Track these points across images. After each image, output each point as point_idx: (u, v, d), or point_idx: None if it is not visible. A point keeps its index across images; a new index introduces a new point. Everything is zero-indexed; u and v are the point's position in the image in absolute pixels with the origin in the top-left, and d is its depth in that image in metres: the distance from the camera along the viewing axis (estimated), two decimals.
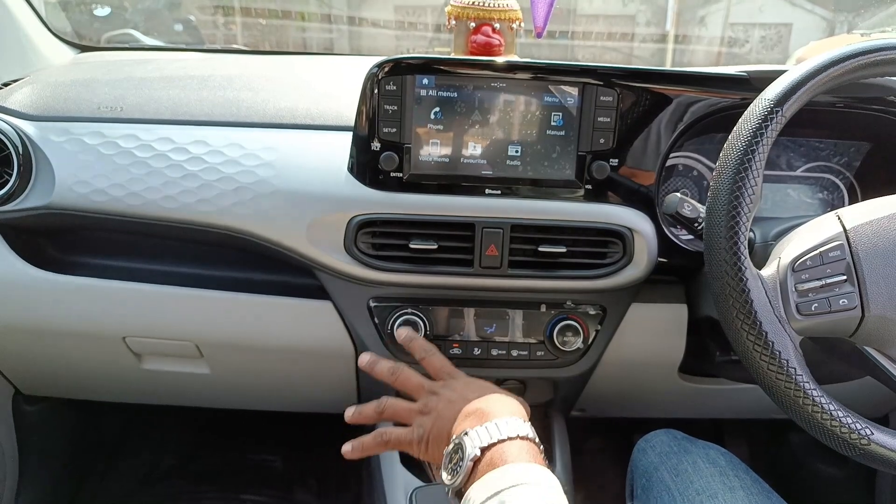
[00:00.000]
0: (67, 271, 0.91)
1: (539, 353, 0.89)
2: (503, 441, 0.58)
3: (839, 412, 0.61)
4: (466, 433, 0.60)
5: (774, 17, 6.98)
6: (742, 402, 1.11)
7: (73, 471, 1.30)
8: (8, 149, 0.84)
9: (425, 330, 0.86)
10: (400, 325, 0.86)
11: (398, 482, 0.86)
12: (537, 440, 0.60)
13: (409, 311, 0.87)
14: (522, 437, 0.59)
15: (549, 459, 0.93)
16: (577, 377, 0.93)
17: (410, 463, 0.89)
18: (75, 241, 0.96)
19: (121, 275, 0.92)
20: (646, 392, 1.07)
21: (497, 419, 0.60)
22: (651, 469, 0.83)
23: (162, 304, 0.90)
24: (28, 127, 0.86)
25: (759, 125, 0.65)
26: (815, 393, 0.61)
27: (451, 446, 0.62)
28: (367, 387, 0.99)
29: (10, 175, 0.85)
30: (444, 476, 0.60)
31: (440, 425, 0.67)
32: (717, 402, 1.10)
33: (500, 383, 0.94)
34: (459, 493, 0.58)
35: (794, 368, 0.61)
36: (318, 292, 0.90)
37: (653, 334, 0.94)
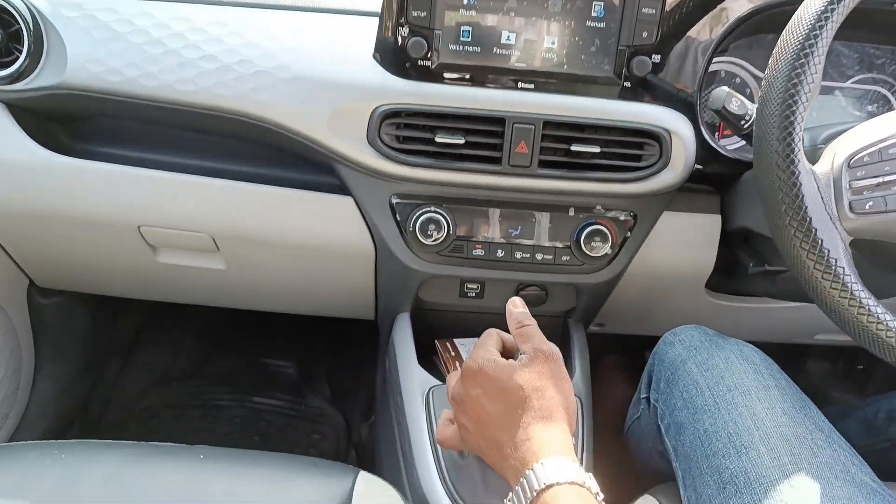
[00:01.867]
0: (81, 157, 0.89)
1: (564, 258, 0.86)
2: (545, 490, 0.50)
3: (887, 316, 0.58)
4: (509, 497, 0.53)
5: None
6: (766, 324, 1.09)
7: (89, 368, 1.31)
8: (18, 23, 0.80)
9: (448, 229, 0.83)
10: (423, 222, 0.83)
11: (415, 382, 0.85)
12: (588, 483, 0.52)
13: (433, 209, 0.84)
14: (563, 484, 0.51)
15: (568, 368, 0.92)
16: (601, 284, 0.90)
17: (428, 365, 0.88)
18: (89, 129, 0.93)
19: (135, 164, 0.89)
20: (668, 307, 1.04)
21: (539, 461, 0.52)
22: (678, 362, 0.79)
23: (177, 192, 0.88)
24: (39, 1, 0.82)
25: (827, 3, 0.59)
26: (862, 294, 0.58)
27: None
28: (386, 291, 0.97)
29: (21, 52, 0.81)
30: None
31: (481, 451, 0.61)
32: (740, 323, 1.08)
33: (522, 289, 0.92)
34: None
35: (843, 268, 0.58)
36: (338, 190, 0.87)
37: (683, 244, 0.91)
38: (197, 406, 1.32)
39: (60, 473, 0.67)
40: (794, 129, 0.58)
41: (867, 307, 0.58)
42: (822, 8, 0.59)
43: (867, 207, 0.59)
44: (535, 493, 0.50)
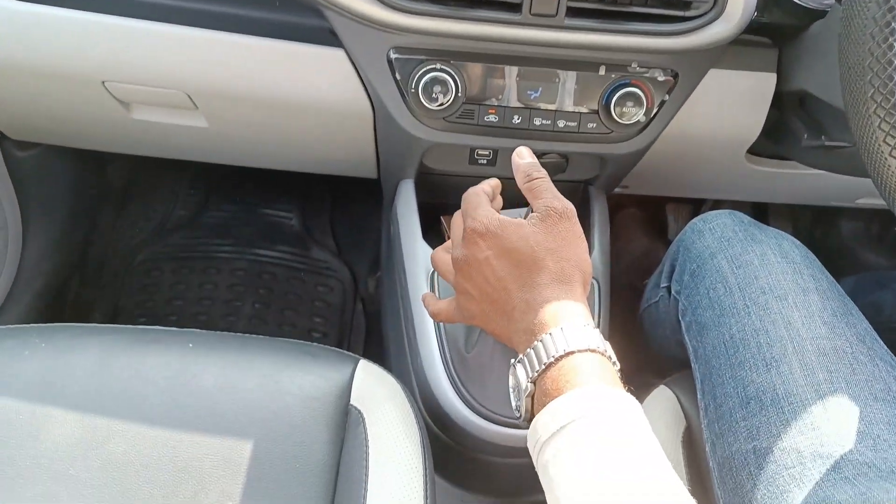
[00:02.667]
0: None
1: (590, 125, 0.75)
2: (563, 357, 0.46)
3: None
4: (521, 360, 0.49)
5: None
6: (806, 189, 0.99)
7: (81, 219, 1.25)
8: None
9: (456, 90, 0.72)
10: (426, 82, 0.71)
11: (419, 259, 0.79)
12: (603, 349, 0.47)
13: (438, 66, 0.71)
14: (584, 351, 0.46)
15: (587, 236, 0.84)
16: (630, 154, 0.79)
17: (433, 238, 0.81)
18: None
19: (97, 5, 0.75)
20: (703, 172, 0.94)
21: (541, 336, 0.48)
22: (707, 255, 0.71)
23: (144, 43, 0.75)
24: None
25: None
26: None
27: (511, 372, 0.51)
28: (387, 156, 0.87)
29: None
30: (511, 396, 0.50)
31: (485, 317, 0.55)
32: (780, 188, 0.98)
33: (540, 157, 0.81)
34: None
35: None
36: (329, 37, 0.74)
37: (728, 107, 0.79)
38: (197, 258, 1.28)
39: (41, 365, 0.64)
40: None
41: None
42: None
43: None
44: (552, 359, 0.46)
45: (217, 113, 0.85)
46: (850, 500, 0.50)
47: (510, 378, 0.50)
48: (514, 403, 0.50)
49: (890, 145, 0.49)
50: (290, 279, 1.29)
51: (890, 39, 0.46)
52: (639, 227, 1.42)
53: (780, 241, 0.68)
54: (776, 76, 0.76)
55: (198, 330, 0.71)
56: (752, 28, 0.70)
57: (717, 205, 1.32)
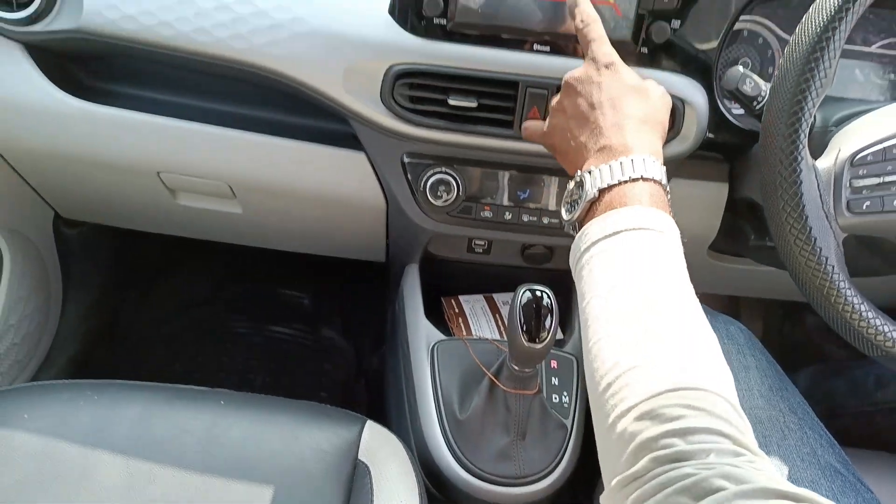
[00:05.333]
0: (99, 100, 0.90)
1: None
2: (628, 182, 0.53)
3: (870, 313, 0.60)
4: (590, 171, 0.56)
5: None
6: (767, 284, 1.11)
7: (113, 294, 1.37)
8: None
9: (458, 190, 0.85)
10: (433, 182, 0.85)
11: (421, 336, 0.89)
12: (665, 184, 0.55)
13: (443, 169, 0.85)
14: (649, 180, 0.54)
15: (569, 321, 0.96)
16: None
17: (434, 317, 0.92)
18: (106, 68, 0.94)
19: (154, 107, 0.90)
20: None
21: (629, 156, 0.54)
22: None
23: (195, 142, 0.89)
24: None
25: (845, 2, 0.58)
26: (849, 293, 0.60)
27: (572, 183, 0.59)
28: (396, 242, 1.00)
29: None
30: (563, 210, 0.59)
31: (566, 141, 0.63)
32: (742, 282, 1.11)
33: (527, 249, 0.94)
34: (576, 226, 0.57)
35: (833, 266, 0.60)
36: (352, 141, 0.88)
37: (688, 211, 0.92)
38: (216, 332, 1.39)
39: (93, 414, 0.74)
40: (800, 126, 0.59)
41: (852, 304, 0.60)
42: (838, 6, 0.58)
43: (864, 207, 0.60)
44: (627, 179, 0.53)
45: (252, 201, 0.98)
46: None
47: (570, 185, 0.59)
48: (566, 210, 0.58)
49: (804, 257, 0.61)
50: (299, 356, 1.39)
51: (794, 165, 0.60)
52: None
53: (727, 325, 0.80)
54: (728, 185, 0.90)
55: (228, 390, 0.82)
56: (707, 145, 0.85)
57: None
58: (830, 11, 0.59)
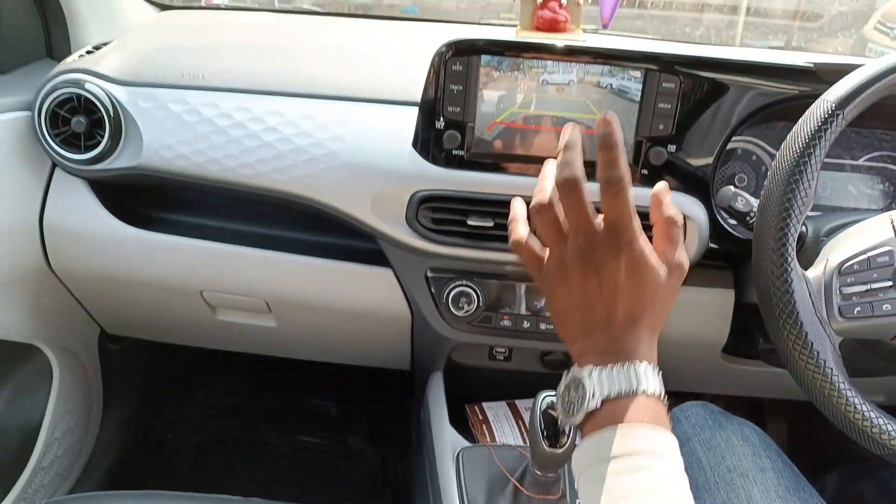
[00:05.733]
0: (151, 227, 0.99)
1: None
2: (629, 398, 0.48)
3: (872, 413, 0.64)
4: (591, 374, 0.50)
5: None
6: (783, 385, 1.13)
7: (149, 404, 1.42)
8: (100, 111, 0.91)
9: (478, 301, 0.91)
10: (455, 294, 0.91)
11: (446, 443, 0.92)
12: (664, 396, 0.50)
13: (464, 282, 0.92)
14: (652, 396, 0.49)
15: None
16: None
17: (458, 423, 0.96)
18: (158, 198, 1.04)
19: (200, 232, 0.99)
20: (688, 369, 1.10)
21: (630, 364, 0.49)
22: (683, 440, 0.85)
23: (237, 263, 0.98)
24: (119, 91, 0.93)
25: (817, 128, 0.66)
26: (849, 393, 0.64)
27: (568, 377, 0.53)
28: (420, 352, 1.06)
29: (103, 136, 0.92)
30: (559, 406, 0.53)
31: (565, 302, 0.54)
32: (759, 383, 1.13)
33: (546, 355, 0.99)
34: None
35: (832, 369, 0.64)
36: (380, 257, 0.96)
37: (698, 317, 0.97)
38: (246, 442, 1.43)
39: None
40: (787, 240, 0.65)
41: (854, 405, 0.64)
42: (816, 128, 0.66)
43: (855, 312, 0.65)
44: (636, 391, 0.49)
45: (286, 316, 1.05)
46: None
47: (566, 379, 0.52)
48: (564, 412, 0.52)
49: (804, 360, 0.66)
50: (326, 465, 1.41)
51: (785, 275, 0.65)
52: None
53: (742, 427, 0.82)
54: (734, 291, 0.95)
55: (262, 500, 0.85)
56: (711, 254, 0.91)
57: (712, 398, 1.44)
58: (806, 138, 0.66)
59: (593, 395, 0.49)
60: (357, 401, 1.55)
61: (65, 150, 0.92)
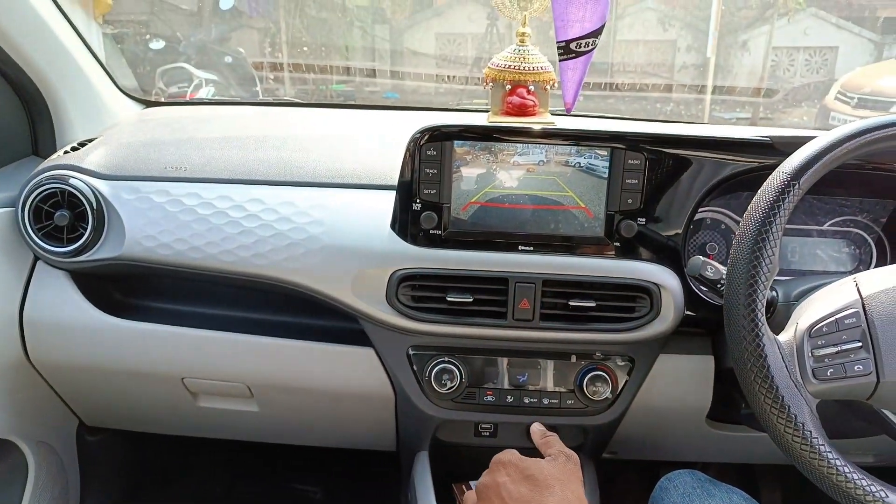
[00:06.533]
0: (131, 315, 0.99)
1: (569, 402, 0.94)
2: None
3: (854, 474, 0.64)
4: None
5: (819, 41, 6.86)
6: (770, 450, 1.12)
7: (129, 496, 1.38)
8: (83, 205, 0.93)
9: (461, 377, 0.92)
10: (437, 371, 0.92)
11: None
12: None
13: (446, 359, 0.93)
14: None
15: None
16: (606, 425, 0.96)
17: (446, 500, 0.94)
18: (139, 286, 1.05)
19: (181, 318, 1.00)
20: (675, 437, 1.10)
21: None
22: None
23: (218, 349, 0.97)
24: (102, 185, 0.95)
25: (776, 198, 0.69)
26: (830, 455, 0.64)
27: None
28: (405, 431, 1.05)
29: (85, 229, 0.93)
30: None
31: None
32: (746, 448, 1.12)
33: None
34: None
35: (811, 431, 0.65)
36: (362, 336, 0.96)
37: (680, 384, 0.98)
38: None
39: None
40: (756, 305, 0.67)
41: (835, 466, 0.64)
42: (774, 199, 0.69)
43: (828, 374, 0.66)
44: None
45: (268, 400, 1.04)
46: None
47: None
48: None
49: (782, 423, 0.66)
50: None
51: (757, 340, 0.67)
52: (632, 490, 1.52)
53: (730, 494, 0.82)
54: (713, 358, 0.96)
55: None
56: (688, 322, 0.92)
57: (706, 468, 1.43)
58: (765, 208, 0.69)
59: None
60: (343, 483, 1.51)
61: (47, 243, 0.93)
